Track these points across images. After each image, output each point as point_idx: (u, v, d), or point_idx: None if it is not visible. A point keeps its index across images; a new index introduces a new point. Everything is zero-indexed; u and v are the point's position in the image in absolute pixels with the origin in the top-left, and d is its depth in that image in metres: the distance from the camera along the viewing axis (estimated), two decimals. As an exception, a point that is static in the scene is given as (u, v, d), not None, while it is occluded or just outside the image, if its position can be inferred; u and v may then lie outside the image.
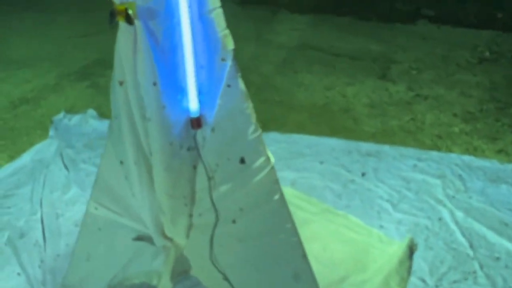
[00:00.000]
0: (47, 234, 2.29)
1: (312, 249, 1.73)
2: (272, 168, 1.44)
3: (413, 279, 1.96)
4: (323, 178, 2.64)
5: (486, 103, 3.47)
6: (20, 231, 2.32)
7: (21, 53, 4.63)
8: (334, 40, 4.75)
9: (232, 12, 1.35)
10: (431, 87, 3.74)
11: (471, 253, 2.09)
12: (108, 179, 1.57)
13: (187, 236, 1.57)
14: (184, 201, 1.50)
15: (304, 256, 1.51)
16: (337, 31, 5.03)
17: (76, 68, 4.25)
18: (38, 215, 2.42)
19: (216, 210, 1.49)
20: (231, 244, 1.53)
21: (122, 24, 1.30)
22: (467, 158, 2.78)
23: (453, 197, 2.45)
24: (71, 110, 3.46)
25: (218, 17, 1.33)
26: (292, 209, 1.51)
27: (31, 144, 3.06)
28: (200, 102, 1.41)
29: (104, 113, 3.35)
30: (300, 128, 3.18)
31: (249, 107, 1.39)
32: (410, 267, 2.02)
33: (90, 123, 3.26)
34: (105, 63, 4.20)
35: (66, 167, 2.80)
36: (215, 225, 1.51)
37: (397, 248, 2.07)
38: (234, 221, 1.50)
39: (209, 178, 1.47)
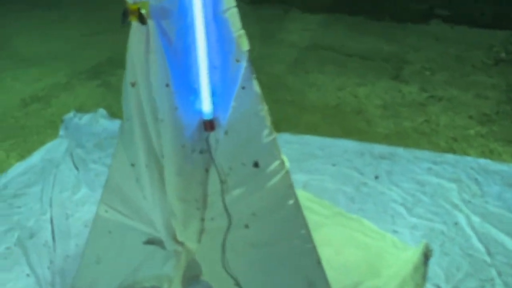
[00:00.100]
0: (56, 235, 2.27)
1: (325, 254, 1.69)
2: (287, 172, 1.40)
3: (428, 286, 1.91)
4: (335, 181, 2.59)
5: (502, 105, 3.39)
6: (29, 231, 2.31)
7: (32, 51, 4.64)
8: (346, 40, 4.70)
9: (243, 11, 1.32)
10: (445, 88, 3.67)
11: (488, 259, 2.03)
12: (118, 181, 1.54)
13: (199, 240, 1.54)
14: (196, 205, 1.47)
15: (319, 263, 1.47)
16: (349, 30, 4.97)
17: (87, 66, 4.24)
18: (48, 215, 2.40)
19: (228, 215, 1.46)
20: (243, 249, 1.50)
21: (134, 24, 1.27)
22: (483, 161, 2.71)
23: (469, 201, 2.39)
24: (82, 109, 3.45)
25: (233, 16, 1.29)
26: (304, 212, 1.47)
27: (42, 143, 3.05)
28: (214, 104, 1.38)
29: (114, 113, 3.34)
30: (312, 129, 3.14)
31: (263, 109, 1.36)
32: (425, 274, 1.97)
33: (100, 122, 3.24)
34: (116, 62, 4.18)
35: (76, 167, 2.79)
36: (228, 230, 1.48)
37: (412, 253, 2.02)
38: (246, 226, 1.47)
39: (222, 182, 1.44)
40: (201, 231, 1.52)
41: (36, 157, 2.88)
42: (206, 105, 1.37)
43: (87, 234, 1.95)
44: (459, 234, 2.19)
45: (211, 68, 1.35)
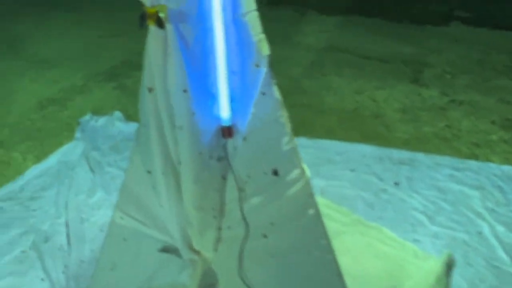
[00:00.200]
0: (71, 239, 2.26)
1: (343, 263, 1.64)
2: (307, 181, 1.36)
3: (451, 299, 1.85)
4: (354, 187, 2.54)
5: (526, 110, 3.30)
6: (45, 234, 2.30)
7: (50, 53, 4.66)
8: (363, 42, 4.63)
9: (259, 13, 1.28)
10: (467, 92, 3.59)
11: (514, 271, 1.96)
12: (134, 188, 1.51)
13: (215, 249, 1.50)
14: (213, 213, 1.44)
15: (339, 274, 1.42)
16: (367, 33, 4.90)
17: (103, 68, 4.25)
18: (63, 218, 2.39)
19: (246, 223, 1.42)
20: (261, 259, 1.46)
21: (152, 28, 1.24)
22: (507, 168, 2.64)
23: (493, 210, 2.32)
24: (98, 111, 3.45)
25: (253, 20, 1.25)
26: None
27: (58, 146, 3.05)
28: (232, 109, 1.34)
29: (130, 115, 3.32)
30: (329, 133, 3.09)
31: (284, 116, 1.31)
32: (448, 285, 1.90)
33: (116, 125, 3.23)
34: (132, 64, 4.18)
35: (92, 170, 2.78)
36: (245, 239, 1.43)
37: (434, 264, 1.95)
38: (265, 236, 1.42)
39: (240, 190, 1.40)
40: (218, 240, 1.48)
41: (52, 160, 2.88)
42: (224, 111, 1.34)
43: (102, 239, 1.93)
44: (483, 244, 2.12)
45: (230, 73, 1.31)
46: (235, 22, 1.25)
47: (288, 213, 1.38)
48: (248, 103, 1.31)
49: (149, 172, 1.45)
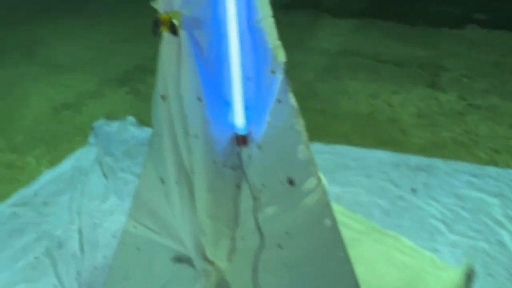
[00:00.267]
0: (84, 245, 2.25)
1: (359, 272, 1.60)
2: (324, 190, 1.32)
3: (472, 310, 1.79)
4: (369, 194, 2.49)
5: (547, 114, 3.22)
6: (58, 240, 2.30)
7: (64, 58, 4.69)
8: (378, 46, 4.57)
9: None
10: (484, 97, 3.51)
11: (537, 283, 1.90)
12: (147, 197, 1.49)
13: (230, 259, 1.47)
14: (226, 222, 1.41)
15: (357, 286, 1.38)
16: (381, 36, 4.83)
17: (116, 73, 4.26)
18: (76, 224, 2.39)
19: (261, 233, 1.38)
20: (276, 270, 1.42)
21: (166, 35, 1.21)
22: (528, 175, 2.56)
23: (514, 218, 2.25)
24: (111, 116, 3.45)
25: (268, 26, 1.22)
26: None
27: (72, 151, 3.06)
28: (247, 117, 1.31)
29: (143, 120, 3.32)
30: (344, 139, 3.04)
31: (300, 124, 1.27)
32: (468, 296, 1.85)
33: (129, 130, 3.23)
34: (145, 68, 4.19)
35: (104, 175, 2.77)
36: (260, 249, 1.40)
37: (453, 274, 1.90)
38: (280, 246, 1.39)
39: (254, 199, 1.37)
40: (232, 250, 1.45)
41: (65, 165, 2.88)
42: (239, 119, 1.31)
43: (115, 245, 1.91)
44: (504, 254, 2.06)
45: (245, 79, 1.28)
46: (250, 28, 1.22)
47: (304, 223, 1.35)
48: (263, 111, 1.28)
49: (162, 180, 1.42)
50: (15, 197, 2.63)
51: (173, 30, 1.18)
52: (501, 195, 2.42)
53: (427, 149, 2.87)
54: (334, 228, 1.33)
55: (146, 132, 3.12)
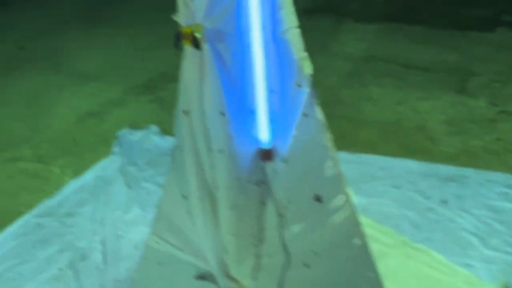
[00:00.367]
0: (107, 257, 2.23)
1: (389, 289, 1.54)
2: (353, 208, 1.26)
3: (509, 332, 1.69)
4: (398, 205, 2.40)
5: None
6: (81, 252, 2.29)
7: (89, 67, 4.74)
8: (404, 51, 4.46)
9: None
10: (517, 103, 3.38)
11: None
12: (170, 213, 1.46)
13: (254, 277, 1.42)
14: (251, 240, 1.36)
15: (388, 309, 1.31)
16: (407, 40, 4.72)
17: (140, 81, 4.27)
18: (99, 236, 2.38)
19: (287, 251, 1.33)
20: (302, 289, 1.37)
21: (188, 48, 1.18)
22: None
23: (553, 232, 2.14)
24: (134, 124, 3.45)
25: (294, 37, 1.17)
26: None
27: (96, 160, 3.06)
28: (272, 131, 1.26)
29: (166, 129, 3.30)
30: (369, 147, 2.95)
31: (327, 138, 1.22)
32: (505, 316, 1.76)
33: (153, 139, 3.22)
34: (169, 76, 4.18)
35: (128, 185, 2.76)
36: (286, 268, 1.35)
37: (488, 291, 1.81)
38: (306, 265, 1.34)
39: (280, 216, 1.32)
40: (257, 268, 1.41)
41: (89, 175, 2.88)
42: (263, 133, 1.26)
43: (138, 258, 1.89)
44: (543, 271, 1.95)
45: (270, 92, 1.23)
46: (275, 39, 1.18)
47: (332, 241, 1.29)
48: (289, 125, 1.24)
49: (184, 197, 1.39)
50: (40, 208, 2.64)
51: (195, 43, 1.14)
52: (538, 207, 2.30)
53: (458, 158, 2.77)
54: (364, 248, 1.28)
55: (169, 141, 3.10)
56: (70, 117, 3.70)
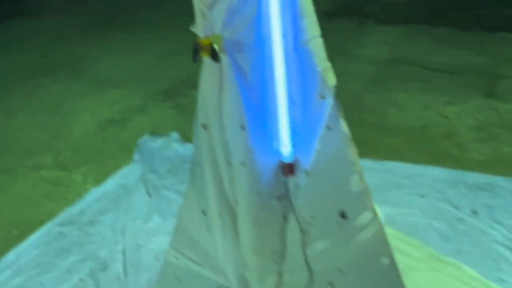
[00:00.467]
0: (128, 268, 2.21)
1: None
2: (380, 225, 1.20)
3: None
4: (425, 215, 2.32)
5: None
6: (102, 262, 2.27)
7: (110, 73, 4.77)
8: (429, 53, 4.34)
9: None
10: (550, 106, 3.24)
11: None
12: (189, 228, 1.42)
13: (276, 295, 1.37)
14: (272, 257, 1.31)
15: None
16: (432, 43, 4.60)
17: (161, 88, 4.27)
18: (120, 245, 2.36)
19: (310, 269, 1.28)
20: (327, 309, 1.31)
21: (206, 60, 1.14)
22: None
23: None
24: (155, 131, 3.44)
25: (317, 47, 1.12)
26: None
27: (117, 167, 3.06)
28: (294, 145, 1.21)
29: (186, 136, 3.28)
30: (395, 154, 2.87)
31: (352, 153, 1.17)
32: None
33: (173, 146, 3.20)
34: (190, 83, 4.16)
35: (148, 193, 2.75)
36: (309, 286, 1.29)
37: (524, 309, 1.71)
38: (331, 284, 1.28)
39: (303, 232, 1.26)
40: (279, 286, 1.35)
41: (110, 183, 2.88)
42: (285, 146, 1.21)
43: (158, 269, 1.86)
44: None
45: (291, 104, 1.18)
46: (296, 49, 1.13)
47: (357, 260, 1.23)
48: (311, 138, 1.18)
49: (203, 212, 1.35)
50: (62, 216, 2.64)
51: (214, 55, 1.10)
52: None
53: (488, 166, 2.66)
54: (392, 267, 1.21)
55: (189, 148, 3.07)
56: (91, 125, 3.72)
